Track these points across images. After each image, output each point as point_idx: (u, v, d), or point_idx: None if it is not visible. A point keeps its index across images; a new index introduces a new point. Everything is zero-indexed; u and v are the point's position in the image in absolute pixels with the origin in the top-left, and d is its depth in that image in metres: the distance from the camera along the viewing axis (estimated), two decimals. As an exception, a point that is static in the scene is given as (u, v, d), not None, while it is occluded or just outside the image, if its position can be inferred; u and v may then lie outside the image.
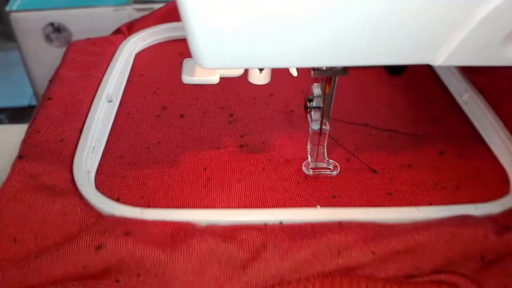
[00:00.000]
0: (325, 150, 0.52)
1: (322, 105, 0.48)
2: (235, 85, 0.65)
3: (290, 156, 0.53)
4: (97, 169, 0.50)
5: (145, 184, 0.49)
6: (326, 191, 0.49)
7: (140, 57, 0.70)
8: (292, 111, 0.60)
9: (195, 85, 0.64)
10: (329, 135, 0.56)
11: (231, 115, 0.59)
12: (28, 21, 0.92)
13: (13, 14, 0.92)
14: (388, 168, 0.52)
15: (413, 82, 0.67)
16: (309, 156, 0.53)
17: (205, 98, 0.62)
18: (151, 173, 0.50)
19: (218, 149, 0.53)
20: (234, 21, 0.32)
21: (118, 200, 0.47)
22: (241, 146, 0.54)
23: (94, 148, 0.52)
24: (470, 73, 0.64)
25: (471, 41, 0.34)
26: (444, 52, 0.35)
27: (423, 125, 0.59)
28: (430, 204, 0.48)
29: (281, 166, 0.51)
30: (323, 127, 0.48)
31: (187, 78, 0.46)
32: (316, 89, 0.50)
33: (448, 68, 0.67)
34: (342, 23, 0.32)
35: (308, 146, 0.52)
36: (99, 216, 0.43)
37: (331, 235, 0.41)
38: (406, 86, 0.66)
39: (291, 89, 0.64)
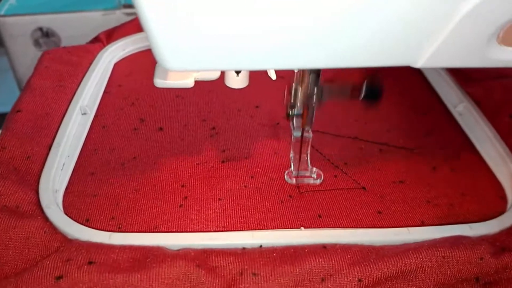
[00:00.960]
0: (308, 158, 0.49)
1: (304, 112, 0.45)
2: (219, 96, 0.62)
3: (274, 173, 0.50)
4: (66, 188, 0.47)
5: (117, 204, 0.45)
6: (312, 210, 0.46)
7: (119, 66, 0.67)
8: (277, 123, 0.57)
9: (177, 96, 0.61)
10: (316, 149, 0.53)
11: (213, 128, 0.56)
12: (17, 26, 0.90)
13: (1, 19, 0.89)
14: (378, 185, 0.49)
15: (405, 92, 0.64)
16: (291, 164, 0.50)
17: (187, 109, 0.59)
18: (124, 191, 0.47)
19: (198, 165, 0.50)
20: (194, 18, 0.28)
21: (87, 221, 0.44)
22: (223, 161, 0.51)
23: (63, 165, 0.48)
24: (465, 83, 0.61)
25: (454, 40, 0.31)
26: (426, 52, 0.32)
27: (415, 138, 0.56)
28: (422, 223, 0.45)
29: (265, 184, 0.48)
30: (306, 134, 0.46)
31: (159, 82, 0.43)
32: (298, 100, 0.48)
33: (441, 77, 0.64)
34: (315, 21, 0.29)
35: (291, 154, 0.50)
36: (65, 240, 0.40)
37: (314, 260, 0.37)
38: (398, 97, 0.63)
39: (278, 100, 0.61)
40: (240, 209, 0.45)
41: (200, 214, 0.44)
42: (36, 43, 0.93)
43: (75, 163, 0.50)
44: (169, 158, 0.51)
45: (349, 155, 0.53)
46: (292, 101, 0.45)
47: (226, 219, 0.44)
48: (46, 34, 0.91)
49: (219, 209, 0.45)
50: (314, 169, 0.50)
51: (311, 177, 0.49)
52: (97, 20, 0.92)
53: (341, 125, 0.57)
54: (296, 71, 0.43)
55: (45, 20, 0.90)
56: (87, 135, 0.54)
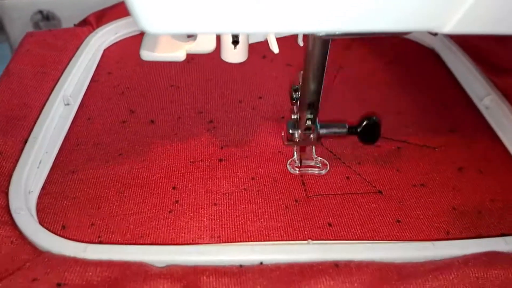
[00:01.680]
0: (313, 147, 0.45)
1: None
2: (218, 85, 0.56)
3: (278, 174, 0.44)
4: (42, 189, 0.41)
5: (98, 208, 0.40)
6: (321, 218, 0.40)
7: (109, 52, 0.61)
8: (283, 117, 0.51)
9: (171, 85, 0.55)
10: (325, 147, 0.47)
11: (211, 121, 0.50)
12: (16, 9, 0.86)
13: (0, 2, 0.84)
14: (396, 188, 0.43)
15: (426, 83, 0.57)
16: (295, 153, 0.46)
17: (182, 100, 0.53)
18: (108, 193, 0.41)
19: (192, 164, 0.44)
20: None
21: (63, 228, 0.38)
22: (220, 160, 0.45)
23: (40, 162, 0.43)
24: (492, 72, 0.54)
25: None
26: (455, 13, 0.26)
27: (438, 135, 0.49)
28: (448, 233, 0.39)
29: (267, 187, 0.42)
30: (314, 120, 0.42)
31: (146, 54, 0.37)
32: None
33: (466, 66, 0.57)
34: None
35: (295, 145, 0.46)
36: (34, 252, 0.34)
37: (325, 282, 0.32)
38: (418, 88, 0.56)
39: (283, 91, 0.55)
40: (238, 216, 0.39)
41: (192, 222, 0.38)
42: (36, 26, 0.91)
43: (54, 159, 0.44)
44: (160, 155, 0.45)
45: (363, 154, 0.47)
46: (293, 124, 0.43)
47: (221, 228, 0.38)
48: (46, 17, 0.87)
49: (214, 216, 0.39)
50: (319, 158, 0.45)
51: (316, 166, 0.45)
52: (98, 2, 0.87)
53: (354, 118, 0.51)
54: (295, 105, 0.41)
55: (45, 3, 0.86)
56: (69, 128, 0.48)
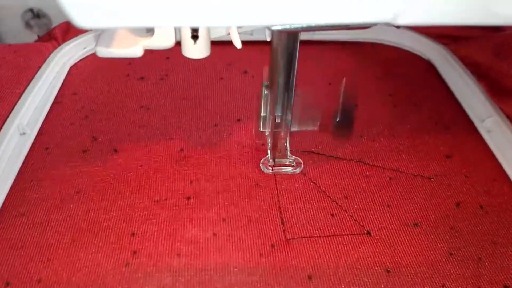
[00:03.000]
0: (287, 145, 0.43)
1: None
2: (193, 105, 0.51)
3: (253, 213, 0.39)
4: (-14, 236, 0.36)
5: (48, 260, 0.35)
6: (300, 269, 0.35)
7: (76, 69, 0.56)
8: (263, 144, 0.46)
9: (141, 107, 0.50)
10: (308, 177, 0.42)
11: (182, 149, 0.45)
12: (6, 7, 0.83)
13: None
14: (387, 228, 0.38)
15: (421, 99, 0.52)
16: (268, 151, 0.44)
17: (151, 124, 0.48)
18: (60, 241, 0.36)
19: (156, 204, 0.39)
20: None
21: (7, 285, 0.33)
22: (188, 198, 0.40)
23: (-15, 204, 0.38)
24: (495, 91, 0.49)
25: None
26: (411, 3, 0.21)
27: (434, 161, 0.45)
28: (443, 287, 0.34)
29: (240, 230, 0.38)
30: (284, 117, 0.40)
31: (101, 50, 0.35)
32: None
33: (467, 85, 0.52)
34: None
35: (268, 140, 0.44)
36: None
37: None
38: (413, 108, 0.51)
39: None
40: (204, 269, 0.34)
41: (150, 279, 0.33)
42: (27, 25, 0.88)
43: (3, 200, 0.39)
44: (121, 192, 0.40)
45: (351, 185, 0.42)
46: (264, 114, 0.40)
47: (183, 287, 0.33)
48: (37, 15, 0.84)
49: (175, 271, 0.34)
50: (293, 157, 0.44)
51: (290, 165, 0.43)
52: (90, 0, 0.84)
53: (342, 143, 0.46)
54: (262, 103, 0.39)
55: (35, 1, 0.84)
56: (24, 161, 0.43)
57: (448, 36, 0.59)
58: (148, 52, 0.59)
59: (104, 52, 0.35)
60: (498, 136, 0.46)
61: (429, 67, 0.58)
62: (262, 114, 0.40)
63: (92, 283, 0.33)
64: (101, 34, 0.36)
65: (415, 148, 0.46)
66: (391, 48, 0.61)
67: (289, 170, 0.43)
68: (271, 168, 0.43)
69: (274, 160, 0.43)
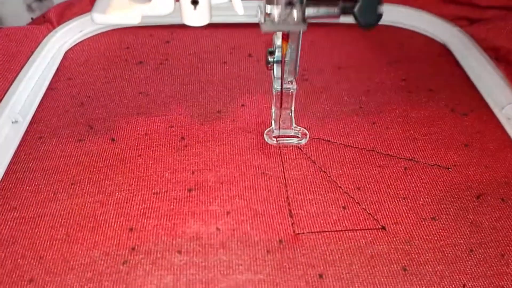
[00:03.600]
0: (292, 115, 0.41)
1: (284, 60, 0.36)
2: (194, 91, 0.48)
3: (260, 204, 0.37)
4: (-27, 232, 0.34)
5: (40, 257, 0.33)
6: (310, 266, 0.33)
7: (72, 53, 0.53)
8: (269, 129, 0.43)
9: (140, 93, 0.48)
10: (318, 166, 0.39)
11: (183, 138, 0.42)
12: None
13: None
14: (403, 223, 0.36)
15: (436, 86, 0.49)
16: (273, 122, 0.42)
17: (150, 111, 0.45)
18: (53, 236, 0.34)
19: (156, 196, 0.37)
20: None
21: (-6, 285, 0.31)
22: (190, 190, 0.38)
23: (-27, 197, 0.36)
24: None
25: None
26: None
27: (451, 150, 0.42)
28: (464, 287, 0.32)
29: (245, 224, 0.35)
30: (289, 86, 0.39)
31: (97, 17, 0.34)
32: (279, 40, 0.36)
33: (483, 67, 0.49)
34: None
35: (272, 110, 0.42)
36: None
37: None
38: (429, 94, 0.48)
39: (270, 97, 0.47)
40: (207, 267, 0.32)
41: (149, 278, 0.31)
42: (29, 8, 0.86)
43: (-7, 193, 0.37)
44: (118, 184, 0.38)
45: (363, 176, 0.40)
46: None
47: (186, 287, 0.31)
48: None
49: (176, 269, 0.32)
50: (299, 127, 0.42)
51: (295, 136, 0.41)
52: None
53: (353, 130, 0.44)
54: None
55: None
56: (16, 151, 0.41)
57: (464, 18, 0.56)
58: (147, 36, 0.56)
59: (101, 18, 0.34)
60: (519, 124, 0.43)
61: (444, 51, 0.55)
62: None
63: (87, 282, 0.31)
64: (96, 2, 0.35)
65: (431, 136, 0.43)
66: (404, 30, 0.58)
67: (294, 141, 0.41)
68: (275, 138, 0.41)
69: (279, 131, 0.41)
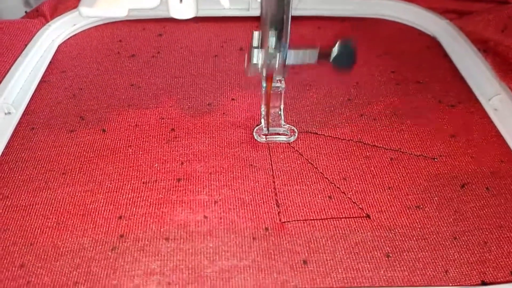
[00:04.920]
0: (281, 113, 0.42)
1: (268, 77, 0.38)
2: (185, 83, 0.49)
3: (247, 194, 0.37)
4: (-34, 219, 0.35)
5: (31, 244, 0.34)
6: (295, 253, 0.33)
7: (65, 47, 0.54)
8: (258, 125, 0.44)
9: (131, 85, 0.48)
10: (305, 158, 0.40)
11: (173, 129, 0.43)
12: None
13: None
14: (387, 211, 0.37)
15: (425, 77, 0.50)
16: (262, 120, 0.43)
17: (141, 103, 0.46)
18: (44, 223, 0.35)
19: (144, 185, 0.38)
20: None
21: (-14, 271, 0.32)
22: (179, 180, 0.38)
23: (-35, 186, 0.36)
24: (502, 68, 0.47)
25: None
26: None
27: (438, 141, 0.42)
28: (447, 273, 0.32)
29: (232, 212, 0.36)
30: (278, 84, 0.39)
31: (85, 10, 0.34)
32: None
33: (471, 59, 0.50)
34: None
35: (261, 109, 0.43)
36: None
37: None
38: (415, 83, 0.49)
39: (259, 92, 0.47)
40: (194, 254, 0.33)
41: (137, 264, 0.32)
42: (27, 3, 0.86)
43: (-16, 182, 0.37)
44: (109, 174, 0.38)
45: (350, 167, 0.40)
46: (256, 44, 0.36)
47: (172, 272, 0.32)
48: None
49: (163, 256, 0.32)
50: (287, 125, 0.43)
51: (284, 134, 0.42)
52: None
53: (341, 122, 0.44)
54: (255, 32, 0.35)
55: None
56: (8, 142, 0.41)
57: (453, 11, 0.56)
58: (140, 29, 0.57)
59: (88, 12, 0.34)
60: (505, 115, 0.44)
61: (433, 43, 0.55)
62: (254, 45, 0.36)
63: (76, 267, 0.32)
64: None
65: (418, 127, 0.44)
66: (393, 23, 0.59)
67: (283, 138, 0.42)
68: (264, 136, 0.42)
69: (268, 129, 0.42)
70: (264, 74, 0.37)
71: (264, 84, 0.39)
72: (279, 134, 0.42)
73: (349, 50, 0.35)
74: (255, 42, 0.35)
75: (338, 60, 0.35)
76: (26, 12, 0.56)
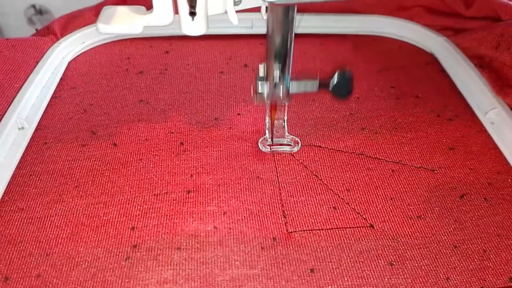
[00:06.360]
0: (285, 125, 0.44)
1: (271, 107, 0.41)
2: (193, 99, 0.50)
3: (254, 205, 0.39)
4: (-15, 231, 0.36)
5: (47, 254, 0.35)
6: (302, 262, 0.35)
7: (75, 64, 0.56)
8: (265, 137, 0.45)
9: (140, 101, 0.50)
10: (310, 170, 0.42)
11: (182, 143, 0.45)
12: (9, 3, 0.85)
13: None
14: (390, 221, 0.38)
15: (423, 93, 0.52)
16: (266, 131, 0.45)
17: (151, 118, 0.47)
18: (58, 235, 0.36)
19: (156, 197, 0.39)
20: None
21: (5, 280, 0.33)
22: (188, 192, 0.40)
23: (-17, 199, 0.37)
24: (499, 87, 0.48)
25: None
26: None
27: (437, 153, 0.44)
28: (448, 280, 0.34)
29: (240, 223, 0.37)
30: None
31: (102, 27, 0.36)
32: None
33: (468, 74, 0.51)
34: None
35: (266, 120, 0.45)
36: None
37: None
38: (414, 98, 0.51)
39: (263, 107, 0.49)
40: (206, 263, 0.34)
41: (151, 273, 0.33)
42: (30, 21, 0.88)
43: (1, 195, 0.39)
44: (120, 187, 0.40)
45: (353, 178, 0.42)
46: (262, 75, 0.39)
47: (185, 280, 0.33)
48: (39, 11, 0.86)
49: (176, 265, 0.34)
50: (291, 136, 0.45)
51: (287, 145, 0.44)
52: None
53: (343, 136, 0.46)
54: (260, 65, 0.38)
55: None
56: (22, 156, 0.43)
57: (450, 28, 0.59)
58: (147, 47, 0.58)
59: (105, 28, 0.36)
60: (501, 128, 0.45)
61: (431, 60, 0.57)
62: (260, 74, 0.39)
63: (91, 277, 0.33)
64: (102, 12, 0.38)
65: (418, 140, 0.45)
66: (393, 40, 0.61)
67: (286, 148, 0.44)
68: (269, 146, 0.44)
69: (272, 140, 0.44)
70: (268, 103, 0.40)
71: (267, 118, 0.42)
72: (283, 144, 0.44)
73: (346, 80, 0.37)
74: (261, 74, 0.38)
75: (337, 89, 0.38)
76: (36, 30, 0.58)
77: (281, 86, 0.38)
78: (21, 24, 0.88)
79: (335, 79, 0.37)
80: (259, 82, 0.38)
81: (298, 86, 0.39)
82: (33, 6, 0.85)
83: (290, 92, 0.39)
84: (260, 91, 0.38)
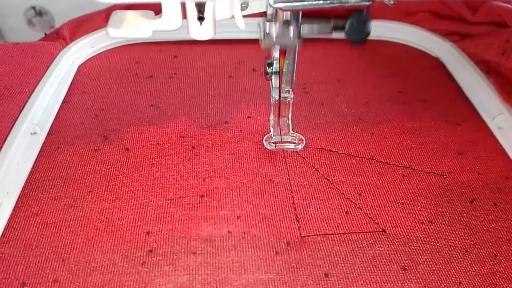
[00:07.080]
0: (289, 122, 0.45)
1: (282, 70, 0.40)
2: (203, 103, 0.51)
3: (268, 209, 0.39)
4: (2, 236, 0.36)
5: (63, 260, 0.35)
6: (316, 266, 0.35)
7: (85, 68, 0.56)
8: (267, 137, 0.46)
9: (151, 105, 0.50)
10: (321, 174, 0.42)
11: (193, 147, 0.45)
12: (8, 5, 0.83)
13: None
14: (401, 226, 0.38)
15: (430, 98, 0.52)
16: (271, 129, 0.45)
17: (162, 122, 0.48)
18: (74, 240, 0.36)
19: (170, 202, 0.39)
20: None
21: (23, 285, 0.33)
22: (202, 196, 0.40)
23: (0, 205, 0.38)
24: (506, 92, 0.49)
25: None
26: None
27: (446, 158, 0.44)
28: (460, 284, 0.34)
29: (254, 227, 0.38)
30: (286, 95, 0.42)
31: (112, 31, 0.37)
32: (277, 53, 0.39)
33: (475, 79, 0.52)
34: None
35: (270, 118, 0.45)
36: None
37: None
38: (422, 103, 0.51)
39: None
40: (221, 267, 0.34)
41: (167, 278, 0.33)
42: (30, 22, 0.88)
43: (15, 201, 0.39)
44: (134, 191, 0.40)
45: (364, 183, 0.42)
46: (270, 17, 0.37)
47: (201, 285, 0.33)
48: (39, 13, 0.84)
49: (192, 269, 0.34)
50: (296, 134, 0.45)
51: (292, 142, 0.45)
52: (91, -3, 0.84)
53: (353, 140, 0.46)
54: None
55: None
56: (35, 161, 0.43)
57: (456, 33, 0.59)
58: (156, 51, 0.59)
59: (115, 33, 0.36)
60: (509, 133, 0.46)
61: (438, 65, 0.58)
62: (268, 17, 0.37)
63: (108, 282, 0.33)
64: (111, 17, 0.38)
65: (427, 145, 0.46)
66: (399, 45, 0.61)
67: (291, 146, 0.44)
68: (274, 144, 0.44)
69: (278, 137, 0.44)
70: (278, 47, 0.39)
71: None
72: (287, 142, 0.45)
73: (363, 22, 0.35)
74: (269, 15, 0.36)
75: (353, 32, 0.36)
76: (45, 34, 0.58)
77: (292, 28, 0.35)
78: (21, 26, 0.86)
79: (349, 21, 0.35)
80: (267, 23, 0.36)
81: (310, 28, 0.36)
82: (33, 8, 0.83)
83: (301, 35, 0.36)
84: (267, 31, 0.36)
